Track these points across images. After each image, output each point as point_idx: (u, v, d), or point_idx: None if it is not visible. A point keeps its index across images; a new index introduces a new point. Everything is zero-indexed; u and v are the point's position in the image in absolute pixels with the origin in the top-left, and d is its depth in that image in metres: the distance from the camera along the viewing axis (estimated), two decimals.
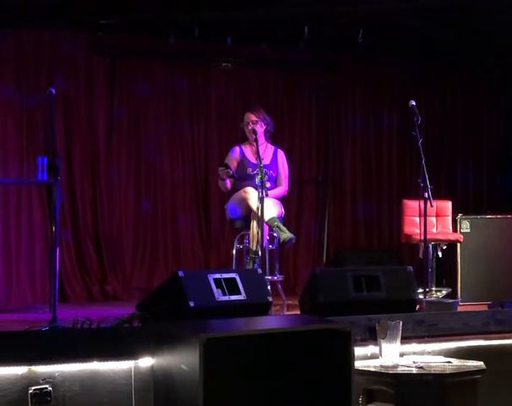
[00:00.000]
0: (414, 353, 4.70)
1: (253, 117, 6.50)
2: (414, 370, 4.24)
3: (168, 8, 7.10)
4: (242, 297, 4.78)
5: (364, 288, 5.14)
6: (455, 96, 9.15)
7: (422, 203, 6.10)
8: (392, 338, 4.37)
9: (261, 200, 5.92)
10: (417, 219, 6.76)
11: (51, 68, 7.47)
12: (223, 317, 4.38)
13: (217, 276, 4.79)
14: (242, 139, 6.75)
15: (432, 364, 4.34)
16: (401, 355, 4.46)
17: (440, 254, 7.07)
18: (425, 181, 6.05)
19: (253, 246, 6.08)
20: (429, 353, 4.81)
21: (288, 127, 8.48)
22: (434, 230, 7.22)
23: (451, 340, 4.99)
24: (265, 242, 6.13)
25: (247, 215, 6.25)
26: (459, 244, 7.16)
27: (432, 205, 6.13)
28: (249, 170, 6.44)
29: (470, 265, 7.19)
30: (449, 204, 7.41)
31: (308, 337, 3.99)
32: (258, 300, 4.90)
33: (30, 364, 4.05)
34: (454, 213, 7.35)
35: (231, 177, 6.39)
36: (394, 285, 5.22)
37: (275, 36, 7.93)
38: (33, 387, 4.03)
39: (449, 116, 9.12)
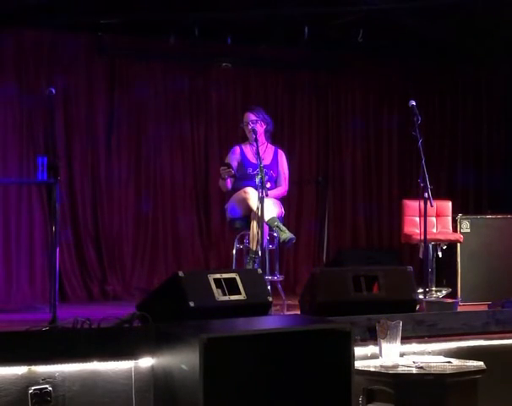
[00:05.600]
0: (414, 353, 4.70)
1: (253, 117, 6.50)
2: (414, 370, 4.24)
3: (168, 8, 7.09)
4: (242, 297, 4.78)
5: (364, 288, 5.14)
6: (455, 96, 9.15)
7: (422, 203, 6.10)
8: (392, 338, 4.37)
9: (261, 200, 5.92)
10: (417, 219, 6.76)
11: (51, 68, 7.47)
12: (223, 317, 4.38)
13: (217, 276, 4.78)
14: (242, 139, 6.74)
15: (432, 364, 4.34)
16: (401, 355, 4.46)
17: (440, 254, 7.07)
18: (425, 181, 6.05)
19: (253, 246, 6.08)
20: (429, 353, 4.81)
21: (288, 127, 8.48)
22: (434, 230, 7.22)
23: (451, 340, 4.99)
24: (265, 242, 6.13)
25: (248, 215, 6.25)
26: (459, 244, 7.15)
27: (432, 205, 6.13)
28: (249, 170, 6.44)
29: (470, 265, 7.18)
30: (449, 204, 7.41)
31: (308, 337, 3.99)
32: (258, 300, 4.89)
33: (30, 364, 4.05)
34: (454, 213, 7.34)
35: (232, 176, 6.39)
36: (394, 285, 5.22)
37: (275, 36, 7.92)
38: (33, 387, 4.04)
39: (449, 116, 9.12)
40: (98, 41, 7.67)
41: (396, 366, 4.30)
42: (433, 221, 7.19)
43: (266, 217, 6.02)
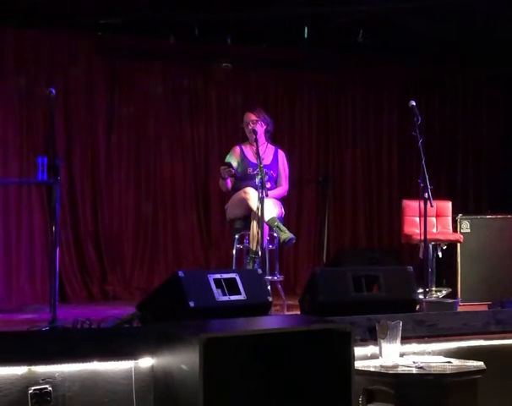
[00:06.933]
0: (414, 353, 4.69)
1: (253, 117, 6.50)
2: (414, 370, 4.23)
3: (168, 8, 7.09)
4: (242, 297, 4.78)
5: (364, 288, 5.14)
6: (455, 96, 9.16)
7: (422, 203, 6.10)
8: (392, 338, 4.37)
9: (261, 200, 5.91)
10: (417, 219, 6.75)
11: (51, 68, 7.48)
12: (223, 317, 4.38)
13: (217, 276, 4.79)
14: (243, 139, 6.75)
15: (432, 364, 4.34)
16: (401, 355, 4.46)
17: (440, 254, 7.07)
18: (425, 181, 6.05)
19: (253, 246, 6.08)
20: (429, 353, 4.81)
21: (288, 127, 8.48)
22: (434, 230, 7.22)
23: (451, 340, 4.99)
24: (265, 242, 6.13)
25: (248, 215, 6.25)
26: (459, 244, 7.16)
27: (432, 206, 6.13)
28: (250, 170, 6.44)
29: (470, 265, 7.18)
30: (449, 204, 7.41)
31: (308, 337, 3.98)
32: (258, 300, 4.90)
33: (30, 364, 4.05)
34: (454, 213, 7.35)
35: (232, 176, 6.39)
36: (394, 285, 5.22)
37: (275, 36, 7.93)
38: (33, 387, 4.04)
39: (449, 116, 9.12)
40: (98, 41, 7.67)
41: (396, 366, 4.30)
42: (433, 221, 7.19)
43: (266, 217, 6.02)
